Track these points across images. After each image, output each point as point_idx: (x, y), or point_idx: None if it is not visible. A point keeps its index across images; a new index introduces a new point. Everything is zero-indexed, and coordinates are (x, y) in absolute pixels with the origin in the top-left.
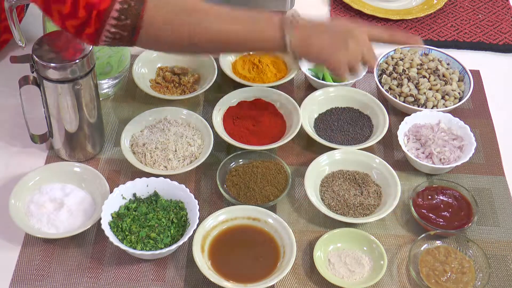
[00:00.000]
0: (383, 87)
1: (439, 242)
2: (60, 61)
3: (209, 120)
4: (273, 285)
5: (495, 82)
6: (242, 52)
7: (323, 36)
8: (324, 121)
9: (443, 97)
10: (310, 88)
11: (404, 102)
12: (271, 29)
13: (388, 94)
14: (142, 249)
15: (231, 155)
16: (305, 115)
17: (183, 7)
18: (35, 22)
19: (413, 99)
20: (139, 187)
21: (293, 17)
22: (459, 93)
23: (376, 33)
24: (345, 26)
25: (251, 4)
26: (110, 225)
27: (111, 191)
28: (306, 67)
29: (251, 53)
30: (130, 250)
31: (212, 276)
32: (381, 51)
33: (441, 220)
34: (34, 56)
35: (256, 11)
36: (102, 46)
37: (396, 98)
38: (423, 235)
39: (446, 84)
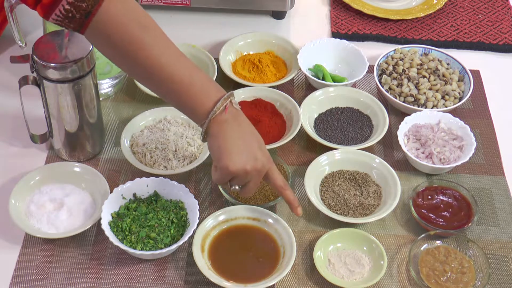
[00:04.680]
0: (383, 87)
1: (439, 242)
2: (60, 61)
3: None
4: (273, 285)
5: (495, 82)
6: (165, 98)
7: (239, 136)
8: (324, 121)
9: (443, 97)
10: (310, 88)
11: (404, 102)
12: (206, 103)
13: (388, 94)
14: (142, 249)
15: None
16: (305, 115)
17: (141, 20)
18: (35, 22)
19: (413, 99)
20: (139, 187)
21: (227, 101)
22: (459, 93)
23: (275, 180)
24: (261, 147)
25: (251, 4)
26: (110, 225)
27: (111, 191)
28: (306, 67)
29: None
30: (130, 250)
31: (212, 276)
32: (381, 51)
33: (441, 220)
34: (34, 56)
35: (199, 71)
36: None
37: (396, 98)
38: (423, 235)
39: (446, 84)
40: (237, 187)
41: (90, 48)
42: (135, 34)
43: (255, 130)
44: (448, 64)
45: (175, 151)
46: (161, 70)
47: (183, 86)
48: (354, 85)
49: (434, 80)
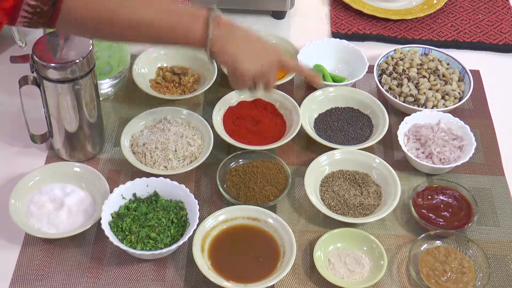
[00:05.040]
0: (383, 87)
1: (439, 242)
2: (60, 61)
3: (209, 120)
4: (273, 285)
5: (495, 82)
6: (161, 43)
7: (242, 43)
8: (324, 121)
9: (443, 97)
10: (310, 88)
11: (404, 102)
12: (195, 25)
13: (388, 94)
14: (142, 249)
15: (231, 155)
16: (305, 115)
17: None
18: None
19: (413, 99)
20: (139, 187)
21: (216, 16)
22: (459, 93)
23: (290, 65)
24: (264, 45)
25: (251, 4)
26: (110, 225)
27: (111, 191)
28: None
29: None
30: (130, 250)
31: (212, 276)
32: (381, 51)
33: (441, 220)
34: (34, 56)
35: (181, 5)
36: (100, 46)
37: (396, 98)
38: (423, 235)
39: (446, 84)
40: (259, 88)
41: (90, 48)
42: (106, 10)
43: (253, 32)
44: (448, 64)
45: (175, 151)
46: (140, 27)
47: (167, 30)
48: (354, 85)
49: (434, 80)
